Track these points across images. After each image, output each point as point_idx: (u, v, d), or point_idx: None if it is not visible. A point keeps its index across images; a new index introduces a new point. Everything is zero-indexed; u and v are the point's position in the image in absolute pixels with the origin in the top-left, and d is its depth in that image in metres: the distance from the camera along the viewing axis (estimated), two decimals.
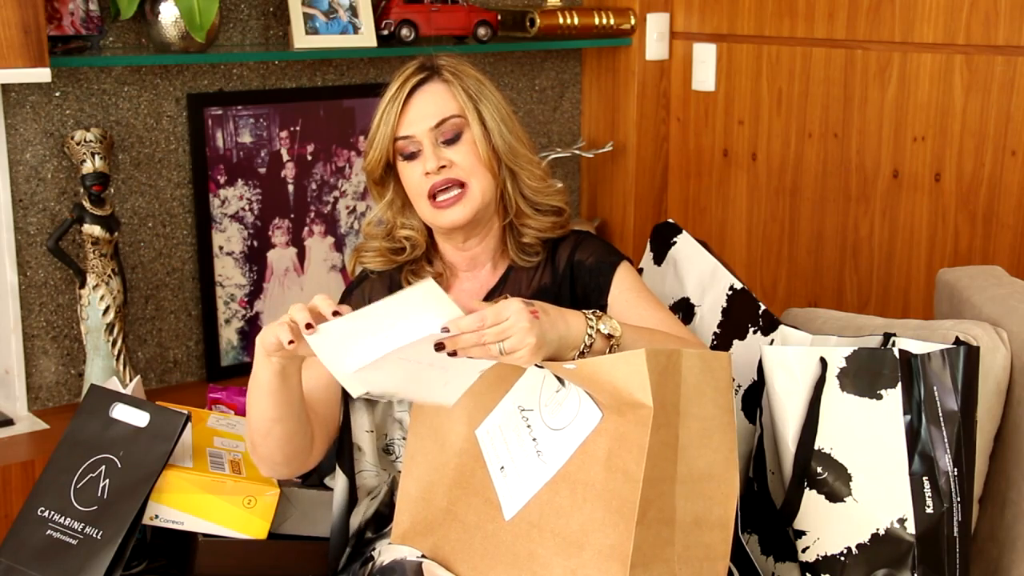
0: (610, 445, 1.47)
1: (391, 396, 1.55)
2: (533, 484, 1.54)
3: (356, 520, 1.78)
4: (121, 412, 1.75)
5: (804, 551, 1.72)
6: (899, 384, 1.64)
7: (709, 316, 1.97)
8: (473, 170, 1.70)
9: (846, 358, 1.67)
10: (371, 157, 1.74)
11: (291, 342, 1.51)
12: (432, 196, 1.71)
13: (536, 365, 1.52)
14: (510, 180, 1.76)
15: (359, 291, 1.82)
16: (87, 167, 2.29)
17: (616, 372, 1.45)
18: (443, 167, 1.69)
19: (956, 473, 1.63)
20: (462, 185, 1.70)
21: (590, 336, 1.54)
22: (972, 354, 1.64)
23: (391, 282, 1.80)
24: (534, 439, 1.55)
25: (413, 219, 1.79)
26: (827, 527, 1.69)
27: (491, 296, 1.80)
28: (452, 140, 1.71)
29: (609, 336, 1.55)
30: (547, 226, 1.79)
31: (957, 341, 1.69)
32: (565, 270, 1.80)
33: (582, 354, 1.53)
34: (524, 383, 1.59)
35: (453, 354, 1.46)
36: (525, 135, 1.79)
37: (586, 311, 1.56)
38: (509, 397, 1.60)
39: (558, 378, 1.55)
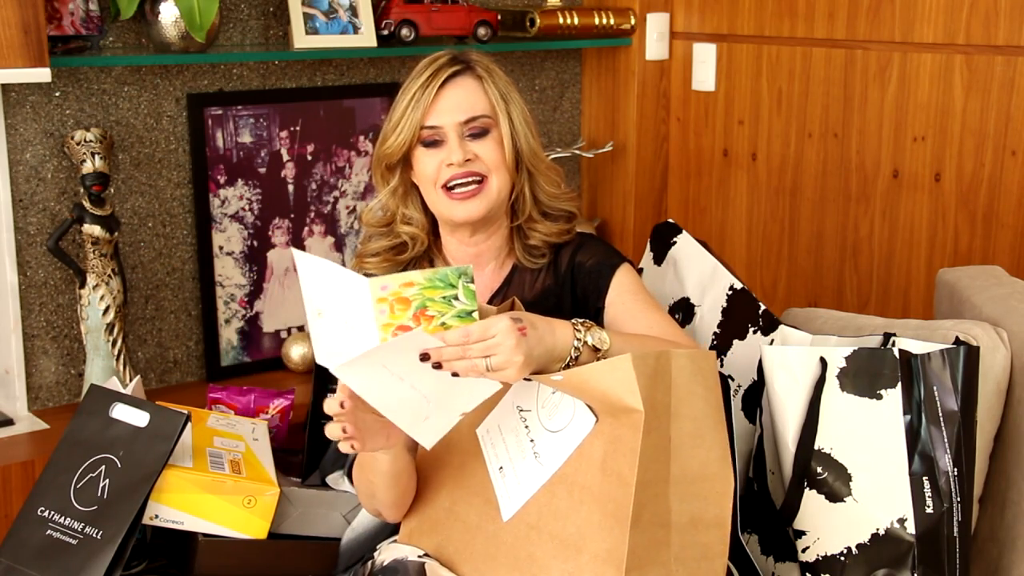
0: (605, 448, 1.47)
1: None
2: (530, 486, 1.54)
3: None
4: (121, 412, 1.75)
5: (804, 551, 1.72)
6: (899, 384, 1.64)
7: (709, 316, 1.97)
8: (496, 166, 1.72)
9: (846, 358, 1.67)
10: (395, 141, 1.73)
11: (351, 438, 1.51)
12: (447, 187, 1.71)
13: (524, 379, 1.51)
14: (527, 183, 1.77)
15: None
16: (87, 167, 2.29)
17: (604, 379, 1.45)
18: (468, 160, 1.70)
19: (956, 473, 1.63)
20: (482, 179, 1.71)
21: (577, 349, 1.52)
22: (972, 354, 1.65)
23: None
24: (532, 440, 1.55)
25: (414, 211, 1.79)
26: (827, 527, 1.69)
27: (496, 296, 1.80)
28: (478, 136, 1.72)
29: (596, 349, 1.54)
30: (555, 232, 1.80)
31: (957, 341, 1.69)
32: (567, 272, 1.80)
33: (568, 366, 1.52)
34: (522, 383, 1.58)
35: (438, 366, 1.43)
36: (539, 138, 1.81)
37: (575, 321, 1.55)
38: (508, 396, 1.60)
39: None
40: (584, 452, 1.50)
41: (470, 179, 1.70)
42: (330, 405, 1.48)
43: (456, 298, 1.40)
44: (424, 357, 1.43)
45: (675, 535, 1.48)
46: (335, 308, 1.45)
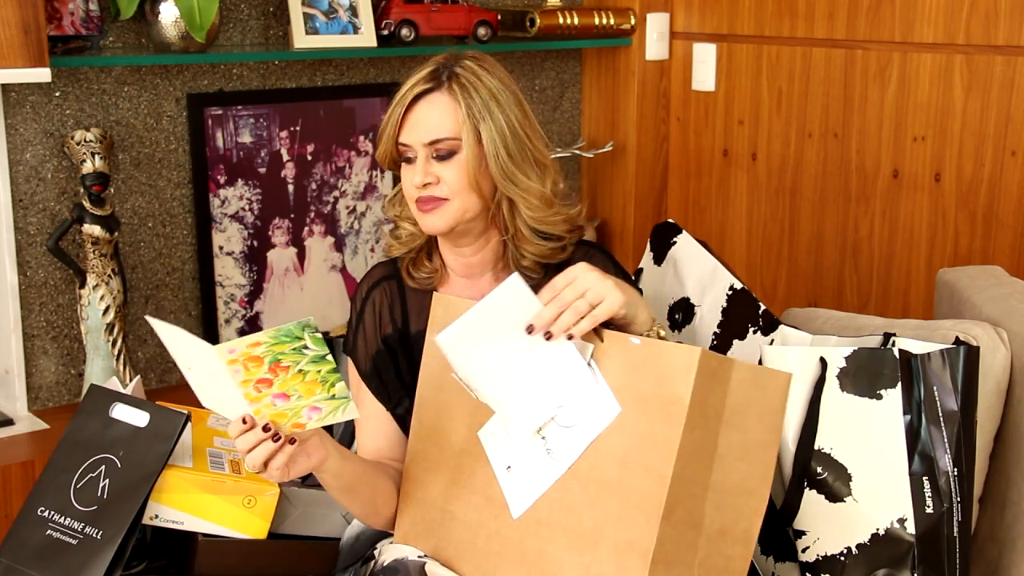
0: (627, 443, 1.47)
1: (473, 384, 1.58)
2: (542, 482, 1.54)
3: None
4: (121, 412, 1.75)
5: (804, 551, 1.72)
6: (899, 384, 1.64)
7: (709, 316, 1.97)
8: (459, 190, 1.68)
9: (846, 358, 1.67)
10: (380, 151, 1.73)
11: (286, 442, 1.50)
12: (417, 202, 1.71)
13: (610, 329, 1.54)
14: (507, 203, 1.72)
15: (372, 303, 1.82)
16: (87, 167, 2.29)
17: (670, 359, 1.46)
18: (428, 183, 1.68)
19: (956, 473, 1.63)
20: (446, 199, 1.69)
21: (655, 321, 1.58)
22: (972, 354, 1.64)
23: (394, 293, 1.81)
24: (543, 437, 1.54)
25: None
26: (827, 527, 1.69)
27: None
28: (444, 157, 1.68)
29: (661, 336, 1.58)
30: (546, 252, 1.76)
31: (957, 341, 1.69)
32: None
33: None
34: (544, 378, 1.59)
35: (549, 336, 1.50)
36: (540, 151, 1.73)
37: None
38: None
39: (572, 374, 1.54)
40: (600, 447, 1.49)
41: (431, 200, 1.69)
42: (247, 438, 1.46)
43: (306, 347, 1.41)
44: (531, 329, 1.50)
45: (703, 541, 1.48)
46: (199, 366, 1.49)
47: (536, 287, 1.72)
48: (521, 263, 1.76)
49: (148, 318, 1.52)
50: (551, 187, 1.73)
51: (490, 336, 1.52)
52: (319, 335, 1.41)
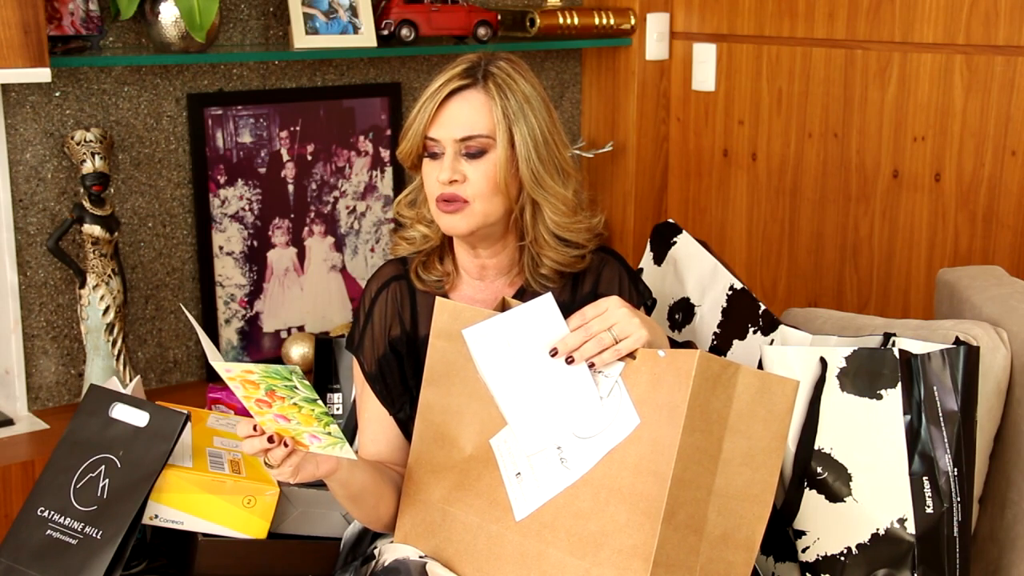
0: (640, 451, 1.47)
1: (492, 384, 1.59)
2: (552, 488, 1.54)
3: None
4: (121, 412, 1.75)
5: (804, 551, 1.72)
6: (899, 384, 1.64)
7: (709, 316, 1.97)
8: (483, 192, 1.66)
9: (846, 358, 1.67)
10: (404, 147, 1.71)
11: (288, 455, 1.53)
12: (439, 200, 1.69)
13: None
14: (530, 207, 1.71)
15: (381, 303, 1.81)
16: (87, 167, 2.29)
17: (672, 364, 1.47)
18: (454, 181, 1.66)
19: (956, 473, 1.63)
20: (467, 202, 1.67)
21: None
22: (972, 354, 1.65)
23: (404, 293, 1.80)
24: (558, 447, 1.55)
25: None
26: (827, 527, 1.69)
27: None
28: (475, 155, 1.66)
29: None
30: (568, 260, 1.74)
31: (957, 341, 1.69)
32: (588, 296, 1.76)
33: None
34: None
35: (571, 360, 1.52)
36: (565, 159, 1.72)
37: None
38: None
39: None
40: (616, 457, 1.49)
41: (455, 198, 1.67)
42: (252, 443, 1.50)
43: (296, 388, 1.44)
44: (554, 353, 1.53)
45: (705, 545, 1.48)
46: None
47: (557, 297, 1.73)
48: (538, 271, 1.75)
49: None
50: (573, 195, 1.74)
51: (513, 346, 1.54)
52: (307, 381, 1.44)
